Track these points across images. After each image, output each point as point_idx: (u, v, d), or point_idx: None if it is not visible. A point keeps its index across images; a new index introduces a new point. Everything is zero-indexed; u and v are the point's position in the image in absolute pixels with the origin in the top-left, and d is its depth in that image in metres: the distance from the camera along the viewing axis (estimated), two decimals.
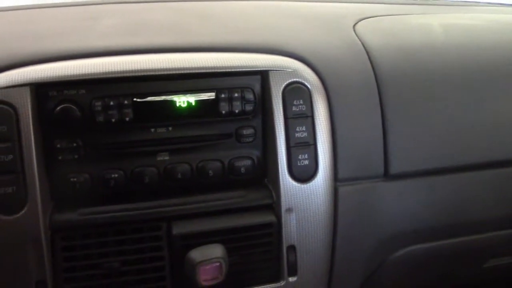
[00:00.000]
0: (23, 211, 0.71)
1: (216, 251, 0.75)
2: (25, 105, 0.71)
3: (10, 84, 0.71)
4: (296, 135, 0.80)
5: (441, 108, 0.90)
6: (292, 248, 0.82)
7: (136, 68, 0.75)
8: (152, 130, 0.78)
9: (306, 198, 0.81)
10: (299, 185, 0.81)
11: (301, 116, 0.80)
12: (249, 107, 0.79)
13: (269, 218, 0.80)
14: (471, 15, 1.18)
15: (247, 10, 1.05)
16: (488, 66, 0.96)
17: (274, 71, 0.80)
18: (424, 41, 0.97)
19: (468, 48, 0.98)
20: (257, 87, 0.80)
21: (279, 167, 0.80)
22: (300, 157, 0.80)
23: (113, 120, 0.75)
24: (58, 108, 0.72)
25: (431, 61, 0.93)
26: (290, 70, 0.81)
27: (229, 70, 0.78)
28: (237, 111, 0.79)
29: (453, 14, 1.18)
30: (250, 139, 0.81)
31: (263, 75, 0.80)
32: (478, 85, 0.94)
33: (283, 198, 0.80)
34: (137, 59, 0.76)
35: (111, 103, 0.74)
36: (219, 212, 0.79)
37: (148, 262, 0.77)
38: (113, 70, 0.74)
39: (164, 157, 0.79)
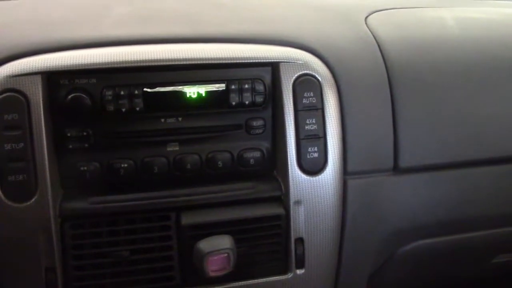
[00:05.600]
0: (33, 199, 0.72)
1: (224, 242, 0.75)
2: (37, 94, 0.71)
3: (22, 72, 0.72)
4: (306, 127, 0.80)
5: (453, 103, 0.89)
6: (300, 241, 0.82)
7: (147, 58, 0.75)
8: (162, 120, 0.78)
9: (315, 190, 0.81)
10: (308, 177, 0.80)
11: (311, 109, 0.80)
12: (259, 99, 0.79)
13: (278, 210, 0.80)
14: (485, 9, 1.17)
15: (258, 1, 1.05)
16: (502, 61, 0.95)
17: (285, 63, 0.80)
18: (437, 34, 0.96)
19: (481, 42, 0.97)
20: (268, 79, 0.80)
21: (289, 159, 0.80)
22: (309, 149, 0.80)
23: (124, 109, 0.75)
24: (69, 96, 0.73)
25: (444, 55, 0.92)
26: (301, 62, 0.80)
27: (240, 61, 0.78)
28: (247, 102, 0.79)
29: (467, 8, 1.16)
30: (260, 131, 0.81)
31: (274, 66, 0.80)
32: (491, 79, 0.93)
33: (292, 191, 0.80)
34: (148, 49, 0.76)
35: (122, 92, 0.74)
36: (228, 203, 0.79)
37: (156, 251, 0.77)
38: (124, 59, 0.74)
39: (174, 147, 0.79)
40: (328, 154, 0.81)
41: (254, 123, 0.81)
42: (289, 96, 0.79)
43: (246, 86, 0.78)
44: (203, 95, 0.77)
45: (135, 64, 0.74)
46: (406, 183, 0.88)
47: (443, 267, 1.08)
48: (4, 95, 0.71)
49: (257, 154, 0.81)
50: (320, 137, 0.80)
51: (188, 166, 0.79)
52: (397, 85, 0.87)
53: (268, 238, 0.81)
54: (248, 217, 0.79)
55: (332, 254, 0.85)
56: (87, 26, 0.84)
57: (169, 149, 0.79)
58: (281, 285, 0.83)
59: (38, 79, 0.72)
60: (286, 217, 0.80)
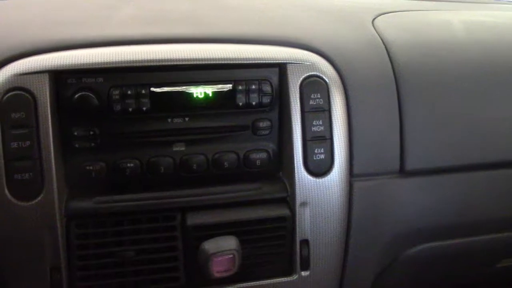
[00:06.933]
0: (39, 198, 0.72)
1: (229, 243, 0.75)
2: (44, 92, 0.71)
3: (29, 71, 0.72)
4: (313, 129, 0.80)
5: (460, 106, 0.89)
6: (305, 242, 0.82)
7: (154, 58, 0.75)
8: (169, 120, 0.77)
9: (320, 192, 0.81)
10: (314, 179, 0.80)
11: (318, 110, 0.80)
12: (266, 100, 0.79)
13: (283, 211, 0.80)
14: (492, 13, 1.17)
15: (266, 2, 1.05)
16: (508, 64, 0.95)
17: (292, 64, 0.79)
18: (443, 37, 0.96)
19: (488, 46, 0.97)
20: (275, 80, 0.80)
21: (295, 160, 0.79)
22: (316, 151, 0.80)
23: (130, 109, 0.75)
24: (76, 96, 0.73)
25: (450, 57, 0.92)
26: (308, 63, 0.80)
27: (247, 62, 0.78)
28: (254, 103, 0.79)
29: (474, 11, 1.16)
30: (267, 132, 0.81)
31: (281, 67, 0.80)
32: (497, 83, 0.92)
33: (297, 192, 0.80)
34: (155, 49, 0.76)
35: (129, 92, 0.74)
36: (233, 204, 0.79)
37: (161, 252, 0.77)
38: (131, 59, 0.74)
39: (180, 147, 0.79)
40: (335, 155, 0.81)
41: (261, 124, 0.81)
42: (296, 97, 0.79)
43: (253, 87, 0.78)
44: (210, 95, 0.77)
45: (143, 64, 0.74)
46: (412, 185, 0.88)
47: (448, 271, 1.08)
48: (12, 93, 0.71)
49: (263, 155, 0.81)
50: (327, 139, 0.80)
51: (194, 167, 0.78)
52: (404, 87, 0.87)
53: (273, 240, 0.81)
54: (253, 218, 0.79)
55: (337, 256, 0.85)
56: (95, 25, 0.84)
57: (175, 149, 0.79)
58: (286, 287, 0.82)
59: (46, 78, 0.72)
60: (292, 219, 0.80)
